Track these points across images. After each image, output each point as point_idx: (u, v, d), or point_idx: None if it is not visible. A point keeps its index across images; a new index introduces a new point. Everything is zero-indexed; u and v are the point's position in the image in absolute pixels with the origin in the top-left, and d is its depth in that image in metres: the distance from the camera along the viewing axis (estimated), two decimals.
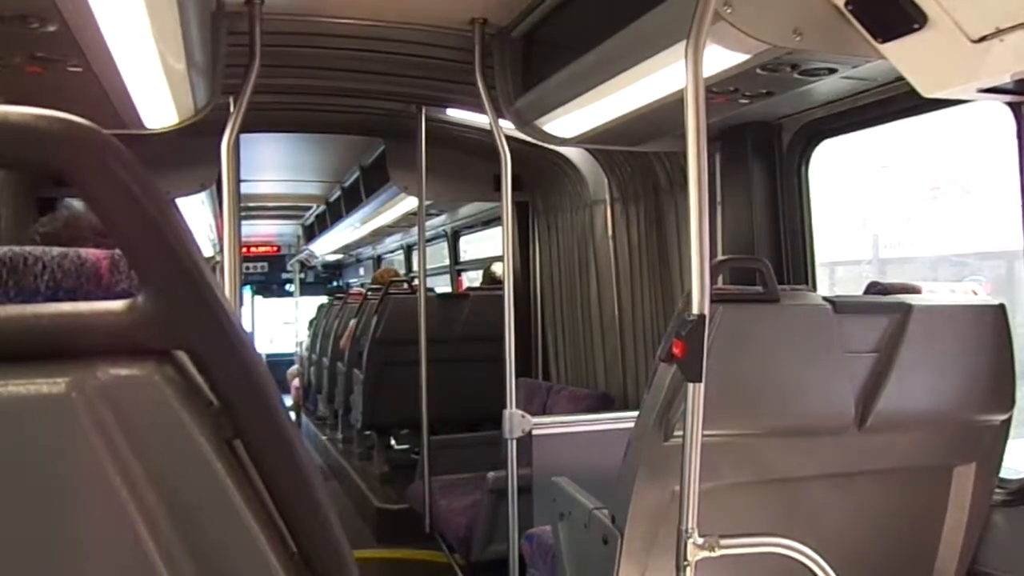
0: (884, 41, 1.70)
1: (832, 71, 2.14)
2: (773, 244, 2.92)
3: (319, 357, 7.81)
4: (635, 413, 2.01)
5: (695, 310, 1.59)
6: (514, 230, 4.60)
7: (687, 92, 1.61)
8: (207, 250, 8.62)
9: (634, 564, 1.92)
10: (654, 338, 3.59)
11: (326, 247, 10.07)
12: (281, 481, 0.67)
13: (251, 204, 8.21)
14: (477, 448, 4.17)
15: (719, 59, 2.01)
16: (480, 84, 2.84)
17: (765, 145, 2.90)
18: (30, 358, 0.61)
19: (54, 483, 0.60)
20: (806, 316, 1.93)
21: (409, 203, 5.50)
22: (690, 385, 1.61)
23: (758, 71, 2.11)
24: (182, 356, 0.65)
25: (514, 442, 2.97)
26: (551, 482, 2.45)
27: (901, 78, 1.78)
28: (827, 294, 2.05)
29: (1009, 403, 2.08)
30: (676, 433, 1.75)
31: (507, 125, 3.01)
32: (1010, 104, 1.96)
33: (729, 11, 1.74)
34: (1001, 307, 2.06)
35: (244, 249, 11.67)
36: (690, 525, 1.61)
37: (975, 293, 2.14)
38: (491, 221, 5.94)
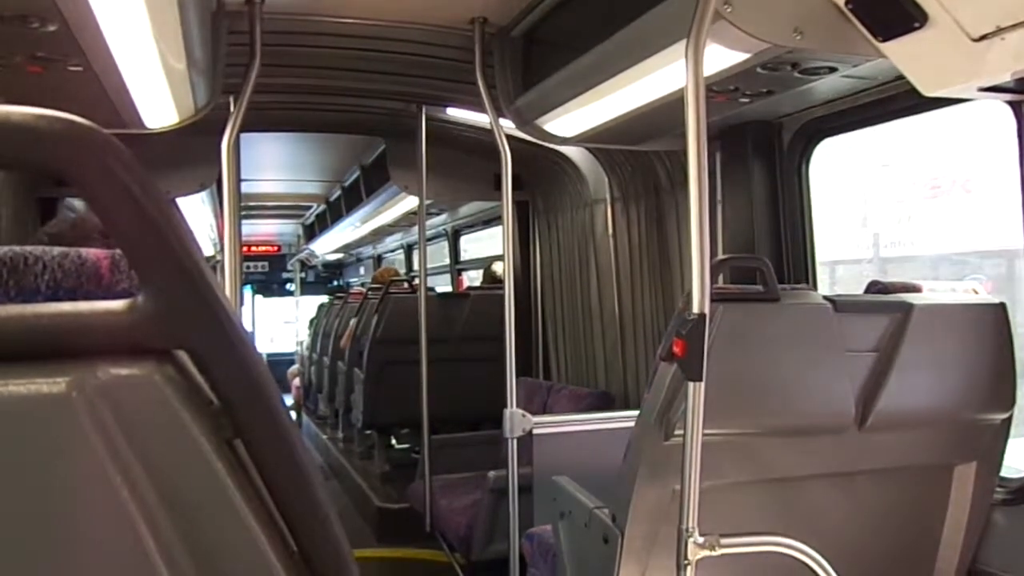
0: (884, 40, 1.70)
1: (832, 70, 2.14)
2: (773, 243, 2.92)
3: (320, 356, 7.81)
4: (636, 412, 2.02)
5: (695, 309, 1.60)
6: (514, 229, 4.60)
7: (687, 91, 1.61)
8: (208, 249, 8.63)
9: (635, 563, 1.92)
10: (655, 337, 3.59)
11: (326, 246, 10.07)
12: (281, 480, 0.67)
13: (251, 203, 8.21)
14: (478, 447, 4.17)
15: (719, 58, 2.01)
16: (480, 83, 2.84)
17: (765, 144, 2.90)
18: (30, 358, 0.61)
19: (54, 483, 0.60)
20: (806, 315, 1.93)
21: (409, 202, 5.50)
22: (690, 384, 1.61)
23: (758, 70, 2.11)
24: (182, 356, 0.65)
25: (514, 441, 2.97)
26: (551, 481, 2.45)
27: (901, 77, 1.78)
28: (828, 293, 2.05)
29: (1009, 402, 2.08)
30: (676, 432, 1.75)
31: (507, 124, 3.01)
32: (1010, 103, 1.96)
33: (729, 10, 1.74)
34: (1002, 306, 2.06)
35: (244, 248, 11.69)
36: (691, 524, 1.61)
37: (975, 292, 2.14)
38: (492, 220, 5.94)
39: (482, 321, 4.63)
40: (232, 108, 2.52)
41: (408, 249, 8.64)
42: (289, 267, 13.09)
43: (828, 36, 1.80)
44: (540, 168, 4.27)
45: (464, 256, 6.90)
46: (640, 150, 3.41)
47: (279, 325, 12.45)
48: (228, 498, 0.63)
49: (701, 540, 1.61)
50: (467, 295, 5.20)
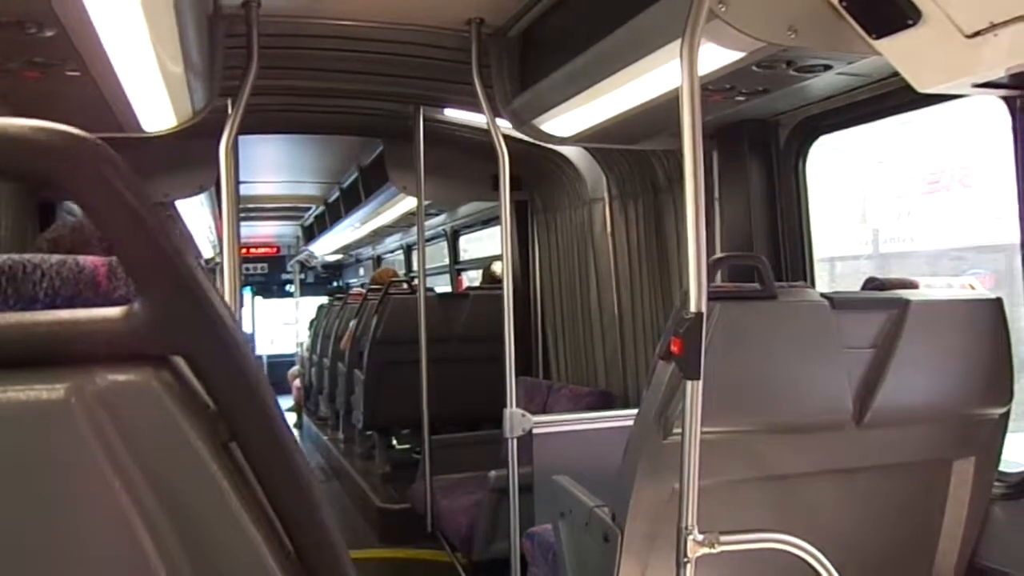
0: (878, 37, 1.71)
1: (827, 67, 2.14)
2: (771, 241, 2.92)
3: (320, 358, 7.82)
4: (635, 411, 2.02)
5: (693, 308, 1.60)
6: (513, 229, 4.60)
7: (682, 90, 1.61)
8: (207, 251, 8.64)
9: (635, 562, 1.93)
10: (654, 335, 3.59)
11: (326, 248, 10.07)
12: (277, 482, 0.67)
13: (250, 205, 8.22)
14: (478, 447, 4.17)
15: (714, 57, 2.01)
16: (477, 84, 2.84)
17: (762, 142, 2.90)
18: (29, 365, 0.61)
19: (53, 488, 0.61)
20: (804, 312, 1.94)
21: (408, 203, 5.51)
22: (688, 382, 1.62)
23: (754, 68, 2.12)
24: (179, 361, 0.65)
25: (515, 441, 2.97)
26: (552, 481, 2.45)
27: (896, 74, 1.78)
28: (829, 289, 2.05)
29: (1007, 396, 2.09)
30: (675, 431, 1.76)
31: (505, 124, 3.02)
32: (1005, 99, 1.96)
33: (724, 9, 1.74)
34: (998, 301, 2.07)
35: (244, 250, 11.69)
36: (690, 522, 1.62)
37: (972, 287, 2.14)
38: (490, 220, 5.95)
39: (482, 321, 4.63)
40: (230, 111, 2.53)
41: (407, 250, 8.64)
42: (288, 268, 13.10)
43: (822, 34, 1.80)
44: (538, 168, 4.28)
45: (463, 256, 6.91)
46: (637, 149, 3.42)
47: (279, 326, 12.47)
48: (225, 501, 0.63)
49: (700, 538, 1.62)
50: (466, 295, 5.21)
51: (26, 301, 0.66)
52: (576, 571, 2.27)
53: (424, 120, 3.88)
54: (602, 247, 3.95)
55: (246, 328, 10.98)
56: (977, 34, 1.56)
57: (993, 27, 1.53)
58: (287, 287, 13.12)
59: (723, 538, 1.62)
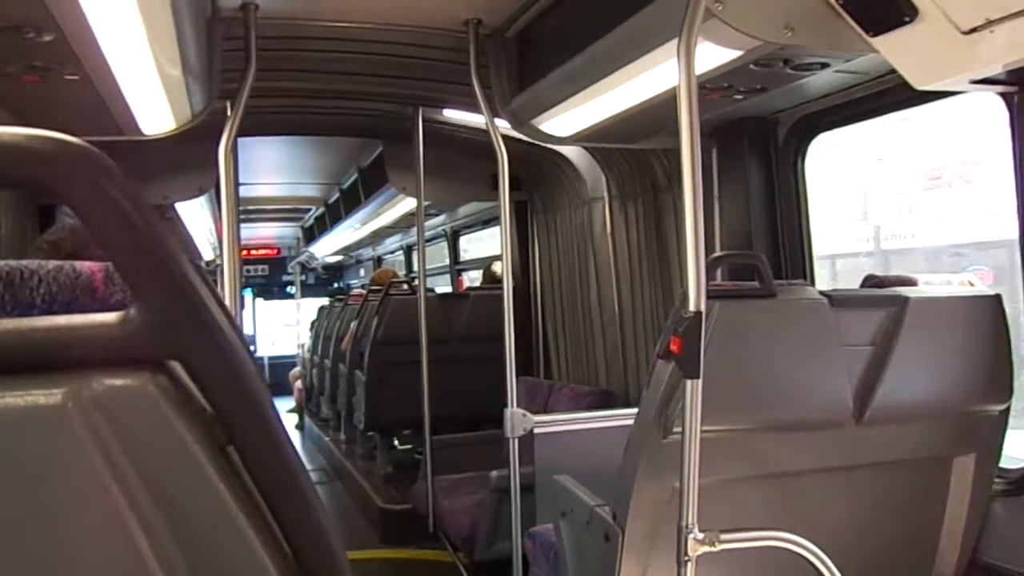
0: (875, 35, 1.71)
1: (825, 65, 2.14)
2: (770, 239, 2.92)
3: (321, 359, 7.82)
4: (636, 410, 2.02)
5: (692, 306, 1.60)
6: (513, 229, 4.60)
7: (680, 89, 1.61)
8: (208, 254, 8.65)
9: (635, 560, 1.93)
10: (655, 334, 3.60)
11: (326, 249, 10.08)
12: (274, 485, 0.68)
13: (250, 207, 8.22)
14: (479, 447, 4.17)
15: (712, 56, 2.02)
16: (476, 84, 2.85)
17: (761, 140, 2.90)
18: (26, 370, 0.62)
19: (51, 492, 0.61)
20: (803, 310, 1.94)
21: (408, 204, 5.51)
22: (688, 381, 1.62)
23: (751, 67, 2.12)
24: (175, 366, 0.66)
25: (516, 441, 2.97)
26: (553, 480, 2.45)
27: (894, 71, 1.79)
28: (830, 286, 2.05)
29: (1007, 393, 2.08)
30: (675, 430, 1.76)
31: (504, 124, 3.02)
32: (1003, 95, 1.96)
33: (720, 8, 1.74)
34: (997, 297, 2.06)
35: (244, 252, 11.70)
36: (690, 521, 1.62)
37: (971, 284, 2.14)
38: (491, 220, 5.94)
39: (482, 321, 4.63)
40: (229, 113, 2.53)
41: (408, 250, 8.65)
42: (289, 270, 13.11)
43: (819, 32, 1.80)
44: (538, 167, 4.28)
45: (464, 256, 6.91)
46: (637, 148, 3.42)
47: (280, 328, 12.48)
48: (222, 503, 0.64)
49: (701, 536, 1.62)
50: (467, 295, 5.21)
51: (23, 307, 0.66)
52: (577, 570, 2.28)
53: (423, 121, 3.88)
54: (602, 246, 3.95)
55: (247, 330, 10.99)
56: (974, 31, 1.56)
57: (990, 24, 1.53)
58: (288, 288, 13.14)
59: (723, 536, 1.63)
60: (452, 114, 3.91)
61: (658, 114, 2.55)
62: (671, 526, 1.69)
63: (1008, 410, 2.11)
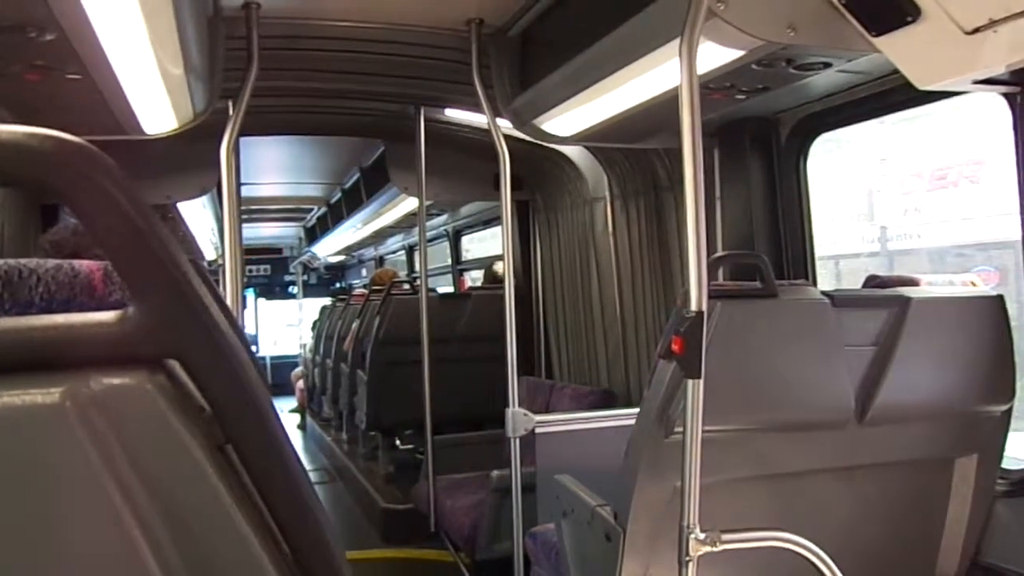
0: (878, 35, 1.70)
1: (827, 65, 2.14)
2: (772, 239, 2.92)
3: (323, 359, 7.83)
4: (637, 410, 2.02)
5: (693, 306, 1.60)
6: (515, 229, 4.61)
7: (682, 89, 1.61)
8: (210, 253, 8.65)
9: (637, 560, 1.93)
10: (656, 334, 3.59)
11: (328, 249, 10.09)
12: (272, 484, 0.68)
13: (252, 207, 8.23)
14: (481, 447, 4.17)
15: (714, 55, 2.01)
16: (478, 84, 2.85)
17: (763, 140, 2.90)
18: (25, 369, 0.62)
19: (49, 491, 0.61)
20: (805, 311, 1.93)
21: (410, 204, 5.51)
22: (689, 381, 1.61)
23: (753, 67, 2.11)
24: (174, 364, 0.66)
25: (517, 440, 2.97)
26: (554, 480, 2.45)
27: (896, 71, 1.78)
28: (835, 286, 2.04)
29: (1009, 394, 2.08)
30: (676, 429, 1.76)
31: (506, 124, 3.02)
32: (1005, 95, 1.96)
33: (723, 8, 1.74)
34: (1000, 298, 2.06)
35: (246, 252, 11.71)
36: (692, 521, 1.62)
37: (974, 284, 2.14)
38: (492, 220, 5.94)
39: (484, 321, 4.63)
40: (231, 112, 2.53)
41: (410, 250, 8.65)
42: (291, 270, 13.13)
43: (822, 32, 1.80)
44: (539, 167, 4.28)
45: (466, 256, 6.90)
46: (638, 148, 3.42)
47: (282, 328, 12.50)
48: (220, 502, 0.64)
49: (702, 536, 1.61)
50: (468, 295, 5.21)
51: (22, 306, 0.66)
52: (579, 570, 2.27)
53: (425, 120, 3.88)
54: (604, 246, 3.95)
55: (249, 330, 11.01)
56: (976, 31, 1.56)
57: (992, 23, 1.53)
58: (290, 288, 13.15)
59: (725, 536, 1.62)
60: (454, 114, 3.91)
61: (660, 114, 2.55)
62: (672, 526, 1.68)
63: (1010, 411, 2.11)
